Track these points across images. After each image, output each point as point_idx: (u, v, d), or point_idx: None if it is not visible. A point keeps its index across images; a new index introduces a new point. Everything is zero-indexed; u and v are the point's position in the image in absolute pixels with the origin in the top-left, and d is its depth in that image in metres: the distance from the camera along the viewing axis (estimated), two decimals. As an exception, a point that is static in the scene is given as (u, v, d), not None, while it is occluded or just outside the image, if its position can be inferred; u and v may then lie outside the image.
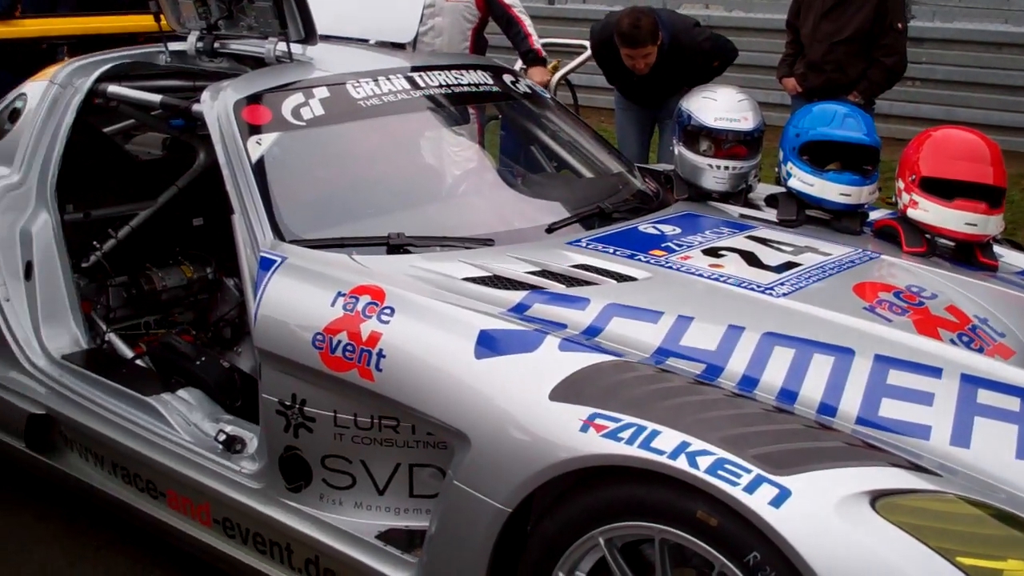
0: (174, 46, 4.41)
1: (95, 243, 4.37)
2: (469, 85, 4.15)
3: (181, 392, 3.65)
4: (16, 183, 4.06)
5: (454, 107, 4.14)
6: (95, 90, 4.18)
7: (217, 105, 3.68)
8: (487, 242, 3.46)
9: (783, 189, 4.08)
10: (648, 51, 5.51)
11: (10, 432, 3.96)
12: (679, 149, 4.18)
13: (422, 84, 4.00)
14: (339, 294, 3.05)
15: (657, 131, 6.26)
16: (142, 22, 4.68)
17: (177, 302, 4.49)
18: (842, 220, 3.91)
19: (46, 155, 4.09)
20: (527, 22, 6.01)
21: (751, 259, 3.44)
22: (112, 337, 4.15)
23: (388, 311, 2.96)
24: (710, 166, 4.08)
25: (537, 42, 6.08)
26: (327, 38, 4.30)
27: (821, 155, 3.95)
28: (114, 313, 4.38)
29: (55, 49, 5.99)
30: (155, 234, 4.53)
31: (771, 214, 4.01)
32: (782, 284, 3.23)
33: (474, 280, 3.15)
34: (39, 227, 4.01)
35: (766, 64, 10.63)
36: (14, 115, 4.27)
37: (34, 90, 4.28)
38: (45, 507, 4.04)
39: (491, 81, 4.26)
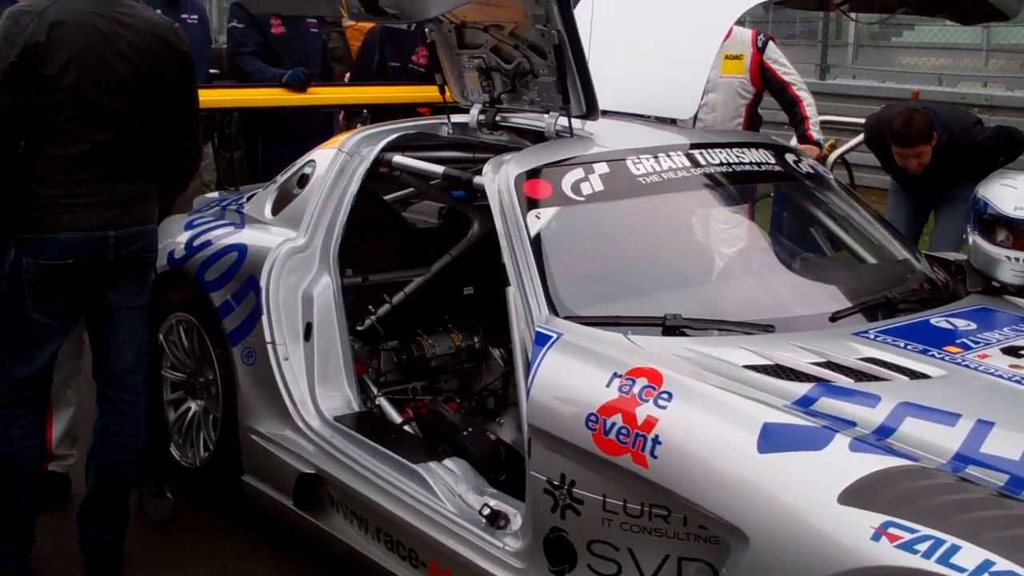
0: (456, 118, 4.50)
1: (370, 307, 4.47)
2: (751, 164, 4.05)
3: (447, 461, 3.65)
4: (302, 246, 4.19)
5: (734, 186, 4.04)
6: (380, 159, 4.30)
7: (499, 178, 3.71)
8: (767, 328, 3.33)
9: (1086, 286, 3.79)
10: (920, 150, 5.29)
11: (280, 489, 4.05)
12: (974, 238, 3.95)
13: (703, 162, 3.93)
14: (615, 375, 2.98)
15: (933, 216, 5.93)
16: (428, 94, 4.81)
17: (444, 369, 4.53)
18: None
19: (331, 220, 4.22)
20: (807, 101, 5.84)
21: (1055, 360, 3.18)
22: (382, 401, 4.21)
23: (665, 396, 2.87)
24: (1008, 258, 3.83)
25: (815, 126, 5.88)
26: (605, 112, 4.30)
27: None
28: (384, 377, 4.46)
29: (331, 118, 6.25)
30: (427, 301, 4.60)
31: (1074, 312, 3.72)
32: (1090, 390, 2.96)
33: (755, 368, 3.03)
34: (320, 290, 4.13)
35: (1053, 147, 10.06)
36: (303, 180, 4.44)
37: (323, 157, 4.44)
38: (309, 566, 4.10)
39: (773, 160, 4.15)
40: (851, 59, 13.55)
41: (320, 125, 6.29)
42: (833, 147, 6.35)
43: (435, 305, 4.63)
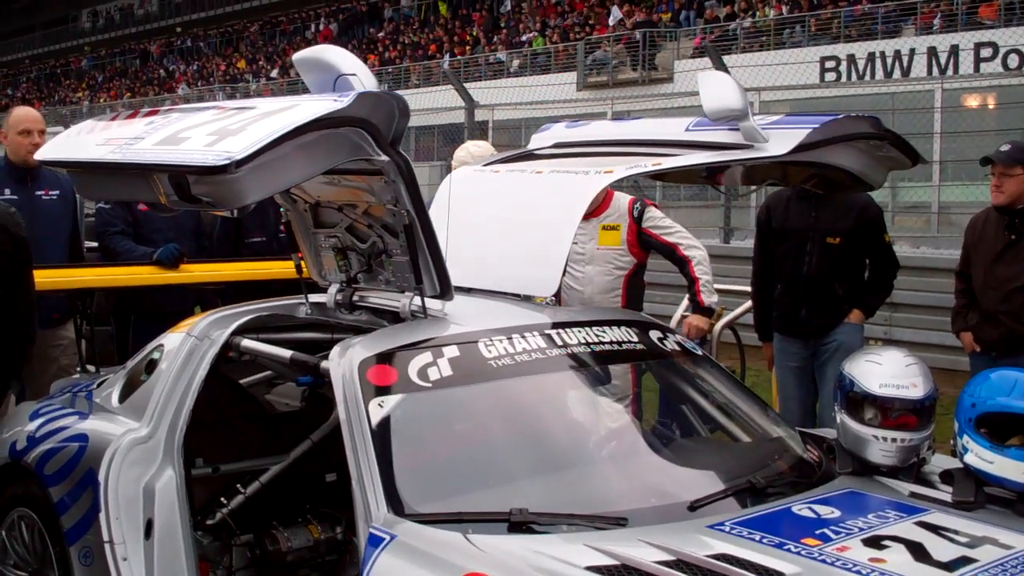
0: (315, 298, 4.34)
1: (222, 499, 4.21)
2: (611, 343, 3.91)
3: None
4: (144, 437, 3.96)
5: (594, 366, 3.89)
6: (229, 343, 4.11)
7: (343, 363, 3.54)
8: (620, 522, 3.14)
9: (960, 464, 3.65)
10: None
11: None
12: (841, 417, 3.82)
13: (559, 342, 3.79)
14: (447, 582, 2.78)
15: (817, 386, 5.79)
16: (286, 270, 4.65)
17: (303, 564, 4.26)
18: (1028, 503, 3.45)
19: (176, 409, 3.99)
20: (696, 259, 5.58)
21: (919, 552, 3.02)
22: (228, 605, 3.93)
23: (497, 605, 2.66)
24: (876, 437, 3.69)
25: (705, 288, 5.70)
26: (470, 291, 4.18)
27: (1001, 428, 3.53)
28: (237, 574, 4.17)
29: (207, 296, 6.06)
30: (285, 490, 4.35)
31: (946, 493, 3.57)
32: (953, 586, 2.80)
33: (598, 570, 2.83)
34: (163, 484, 3.87)
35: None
36: (150, 366, 4.23)
37: (171, 341, 4.25)
38: None
39: (635, 338, 4.01)
40: (754, 221, 13.69)
41: (195, 303, 6.09)
42: (720, 316, 6.26)
43: (294, 494, 4.38)
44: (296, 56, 3.88)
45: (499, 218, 4.36)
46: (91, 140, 3.54)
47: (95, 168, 3.53)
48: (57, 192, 5.88)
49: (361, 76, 3.57)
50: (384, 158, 3.42)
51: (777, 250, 5.90)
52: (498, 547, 2.94)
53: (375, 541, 3.01)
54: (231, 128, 3.11)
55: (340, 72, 3.60)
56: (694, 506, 3.28)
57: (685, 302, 6.00)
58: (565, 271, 5.59)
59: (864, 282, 5.81)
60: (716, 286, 5.97)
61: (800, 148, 4.11)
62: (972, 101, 16.69)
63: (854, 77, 21.34)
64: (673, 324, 5.98)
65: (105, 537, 3.82)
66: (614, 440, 3.86)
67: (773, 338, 5.98)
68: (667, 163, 4.22)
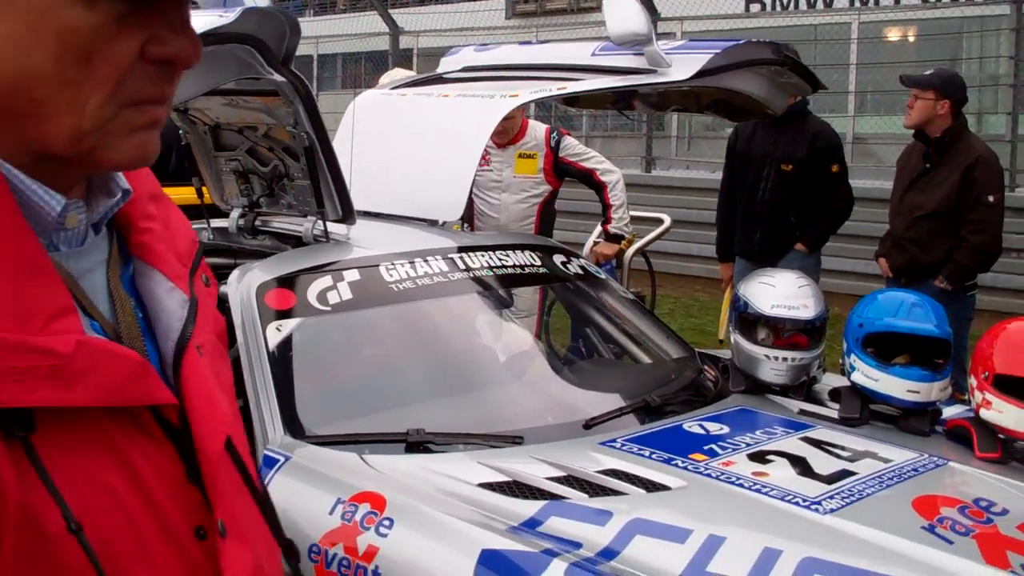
0: (217, 223, 4.31)
1: None
2: (513, 266, 3.94)
3: None
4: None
5: (496, 289, 3.93)
6: None
7: (241, 287, 3.52)
8: (516, 440, 3.19)
9: (847, 382, 3.76)
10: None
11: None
12: (735, 337, 3.90)
13: (461, 266, 3.81)
14: (339, 501, 2.80)
15: None
16: (185, 195, 4.59)
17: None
18: (910, 419, 3.55)
19: None
20: (611, 183, 5.66)
21: (801, 466, 3.10)
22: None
23: (387, 522, 2.70)
24: (767, 357, 3.78)
25: (616, 214, 5.76)
26: (378, 216, 4.18)
27: (887, 347, 3.63)
28: None
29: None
30: None
31: (834, 410, 3.67)
32: (831, 497, 2.88)
33: (490, 486, 2.87)
34: None
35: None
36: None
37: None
38: None
39: (538, 262, 4.05)
40: (675, 151, 13.80)
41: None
42: (631, 242, 6.31)
43: None
44: (186, -29, 3.80)
45: (405, 142, 4.35)
46: None
47: None
48: None
49: (252, -9, 3.51)
50: (278, 78, 3.39)
51: (739, 174, 6.25)
52: (393, 467, 2.97)
53: (270, 462, 3.02)
54: None
55: (230, -13, 3.55)
56: (589, 424, 3.34)
57: (598, 229, 6.07)
58: (480, 198, 5.66)
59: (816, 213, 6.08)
60: (633, 213, 6.05)
61: (702, 73, 4.14)
62: (892, 34, 16.82)
63: (779, 9, 21.38)
64: (585, 252, 6.04)
65: None
66: (514, 362, 3.91)
67: (734, 261, 6.35)
68: (572, 87, 4.24)
